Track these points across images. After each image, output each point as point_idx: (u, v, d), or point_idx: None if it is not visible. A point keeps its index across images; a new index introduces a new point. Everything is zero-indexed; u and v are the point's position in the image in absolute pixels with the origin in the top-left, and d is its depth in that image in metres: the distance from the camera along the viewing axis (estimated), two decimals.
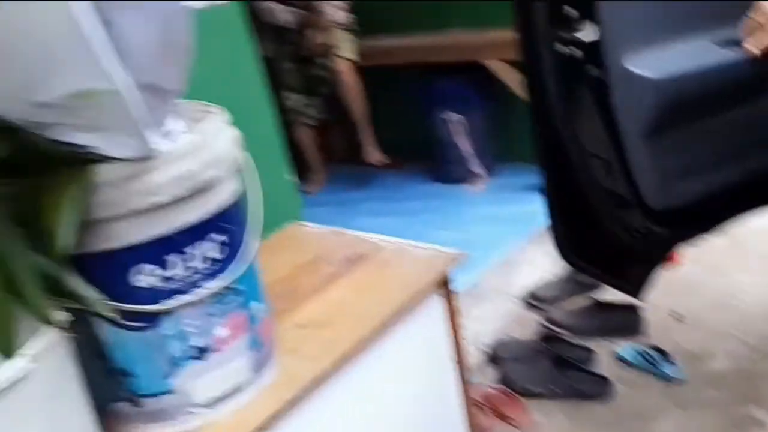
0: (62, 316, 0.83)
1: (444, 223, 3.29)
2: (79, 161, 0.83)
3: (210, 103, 1.05)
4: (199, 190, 0.94)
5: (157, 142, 0.88)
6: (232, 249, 1.01)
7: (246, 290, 1.05)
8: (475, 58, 3.46)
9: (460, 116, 3.59)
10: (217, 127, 1.00)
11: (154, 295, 0.95)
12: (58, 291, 0.83)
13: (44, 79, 0.74)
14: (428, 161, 3.85)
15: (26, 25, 0.70)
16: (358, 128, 3.88)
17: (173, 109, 0.95)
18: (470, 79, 3.57)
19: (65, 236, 0.81)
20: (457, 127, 3.62)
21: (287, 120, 3.52)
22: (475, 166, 3.66)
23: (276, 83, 2.86)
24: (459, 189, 3.68)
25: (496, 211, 3.32)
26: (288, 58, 3.72)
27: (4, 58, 0.72)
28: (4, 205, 0.79)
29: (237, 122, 1.06)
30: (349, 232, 1.60)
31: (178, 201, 0.92)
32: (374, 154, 3.92)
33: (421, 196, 3.70)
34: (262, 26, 3.40)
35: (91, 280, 0.89)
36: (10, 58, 0.72)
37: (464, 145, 3.64)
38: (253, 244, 1.05)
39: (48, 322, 0.81)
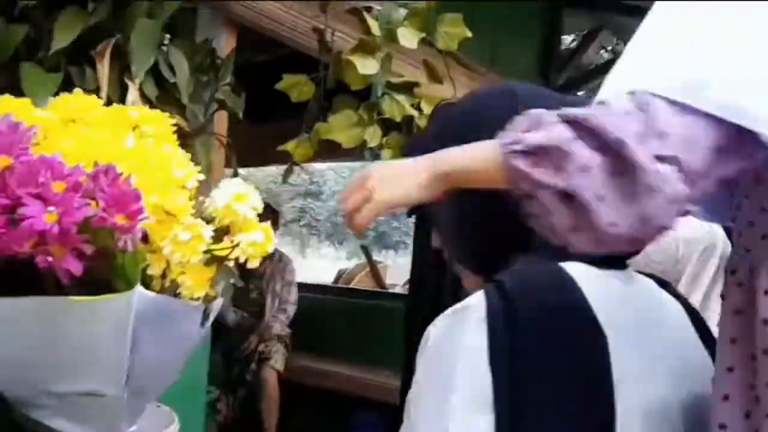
0: None
1: None
2: None
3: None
4: None
5: None
6: None
7: None
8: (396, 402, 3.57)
9: None
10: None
11: None
12: None
13: (66, 375, 0.82)
14: None
15: (78, 329, 0.80)
16: None
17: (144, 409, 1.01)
18: (385, 420, 3.65)
19: None
20: None
21: None
22: None
23: None
24: None
25: None
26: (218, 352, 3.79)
27: (42, 350, 0.80)
28: None
29: None
30: None
31: None
32: None
33: None
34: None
35: None
36: (47, 351, 0.80)
37: None
38: None
39: None
